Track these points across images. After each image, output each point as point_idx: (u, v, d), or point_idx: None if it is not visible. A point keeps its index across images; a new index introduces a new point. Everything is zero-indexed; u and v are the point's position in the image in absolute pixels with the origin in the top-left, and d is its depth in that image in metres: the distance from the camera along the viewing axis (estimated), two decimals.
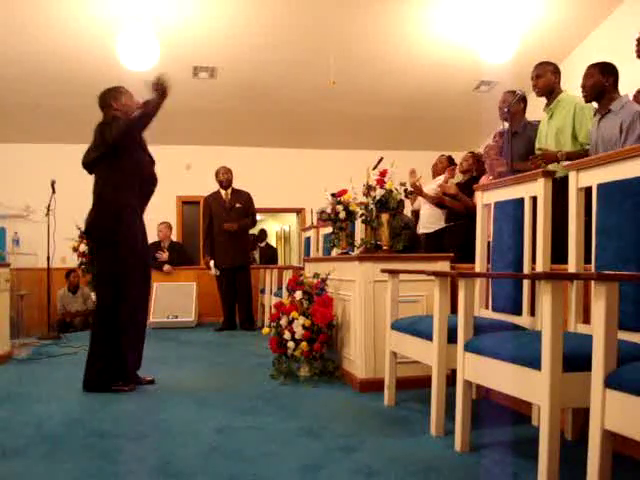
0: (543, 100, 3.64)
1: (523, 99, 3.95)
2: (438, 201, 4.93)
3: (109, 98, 3.38)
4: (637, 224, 1.93)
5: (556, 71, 3.57)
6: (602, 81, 3.17)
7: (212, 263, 6.21)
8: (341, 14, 5.96)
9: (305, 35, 6.27)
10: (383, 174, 3.47)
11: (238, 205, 6.22)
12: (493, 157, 4.03)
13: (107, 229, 3.25)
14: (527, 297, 2.46)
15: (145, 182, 3.41)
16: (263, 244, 9.25)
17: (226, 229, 6.08)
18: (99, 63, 6.32)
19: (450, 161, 5.42)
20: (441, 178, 5.19)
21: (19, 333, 6.53)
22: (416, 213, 5.77)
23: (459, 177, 5.17)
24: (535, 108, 4.00)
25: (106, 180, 3.29)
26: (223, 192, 6.31)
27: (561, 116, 3.47)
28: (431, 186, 5.20)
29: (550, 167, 3.40)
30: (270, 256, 9.14)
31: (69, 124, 7.56)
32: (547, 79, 3.54)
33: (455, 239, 4.58)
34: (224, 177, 6.27)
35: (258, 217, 7.11)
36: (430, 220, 5.14)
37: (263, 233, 9.46)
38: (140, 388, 3.30)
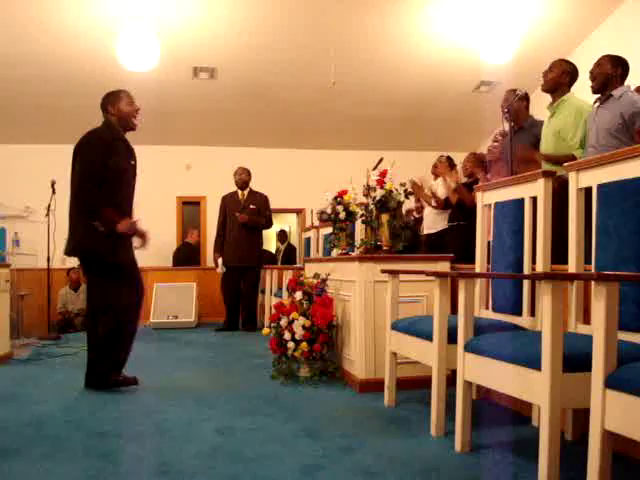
0: (548, 99, 3.64)
1: (525, 97, 3.94)
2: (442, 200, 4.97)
3: (107, 102, 3.39)
4: (637, 224, 1.93)
5: (569, 72, 3.53)
6: (610, 71, 3.21)
7: (220, 260, 6.24)
8: (341, 14, 5.96)
9: (305, 35, 6.27)
10: (383, 174, 3.47)
11: (252, 206, 6.23)
12: (498, 157, 4.04)
13: (104, 253, 3.23)
14: (527, 297, 2.46)
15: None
16: (285, 244, 9.25)
17: (237, 217, 6.09)
18: (99, 63, 6.32)
19: (450, 161, 5.41)
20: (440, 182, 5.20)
21: (19, 333, 6.53)
22: (418, 219, 5.80)
23: (462, 180, 5.17)
24: (542, 107, 4.00)
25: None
26: (240, 192, 6.34)
27: (563, 117, 3.48)
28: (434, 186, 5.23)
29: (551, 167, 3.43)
30: (291, 255, 9.11)
31: (69, 124, 7.52)
32: (555, 75, 3.52)
33: (457, 240, 4.58)
34: (238, 178, 6.32)
35: None
36: (434, 220, 5.16)
37: (283, 234, 9.45)
38: (140, 388, 3.30)
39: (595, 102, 3.34)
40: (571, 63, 3.61)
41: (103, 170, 3.19)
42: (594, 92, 3.33)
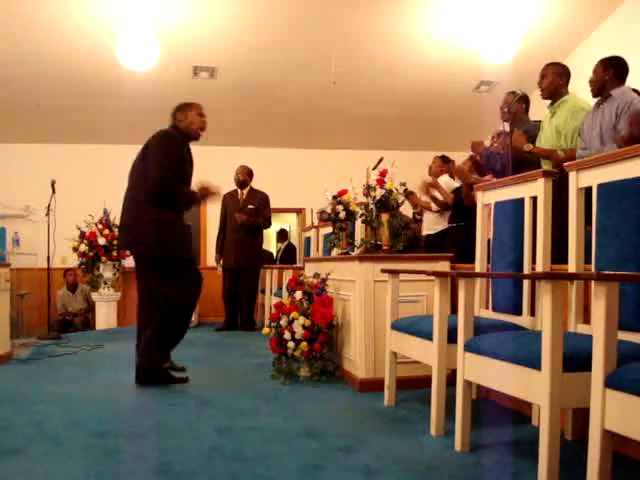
0: (546, 101, 3.64)
1: (524, 99, 3.93)
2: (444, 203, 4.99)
3: (178, 110, 3.59)
4: (637, 224, 1.93)
5: (562, 73, 3.53)
6: (602, 76, 3.20)
7: (221, 261, 6.29)
8: (341, 14, 5.96)
9: (305, 35, 6.27)
10: (383, 174, 3.48)
11: (251, 206, 6.19)
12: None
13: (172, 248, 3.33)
14: (527, 297, 2.46)
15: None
16: (285, 243, 9.24)
17: (236, 218, 6.07)
18: (99, 63, 6.32)
19: (444, 159, 5.40)
20: (444, 179, 5.20)
21: (19, 333, 6.54)
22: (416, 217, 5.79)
23: (454, 185, 5.16)
24: (538, 109, 4.00)
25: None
26: (240, 192, 6.32)
27: (562, 115, 3.48)
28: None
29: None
30: (291, 255, 9.09)
31: (69, 124, 7.56)
32: (551, 81, 3.51)
33: (457, 240, 4.58)
34: (236, 177, 6.31)
35: None
36: (434, 221, 5.16)
37: (283, 233, 9.44)
38: (140, 388, 3.31)
39: (596, 104, 3.33)
40: (561, 64, 3.63)
41: (180, 169, 3.35)
42: (594, 97, 3.32)
